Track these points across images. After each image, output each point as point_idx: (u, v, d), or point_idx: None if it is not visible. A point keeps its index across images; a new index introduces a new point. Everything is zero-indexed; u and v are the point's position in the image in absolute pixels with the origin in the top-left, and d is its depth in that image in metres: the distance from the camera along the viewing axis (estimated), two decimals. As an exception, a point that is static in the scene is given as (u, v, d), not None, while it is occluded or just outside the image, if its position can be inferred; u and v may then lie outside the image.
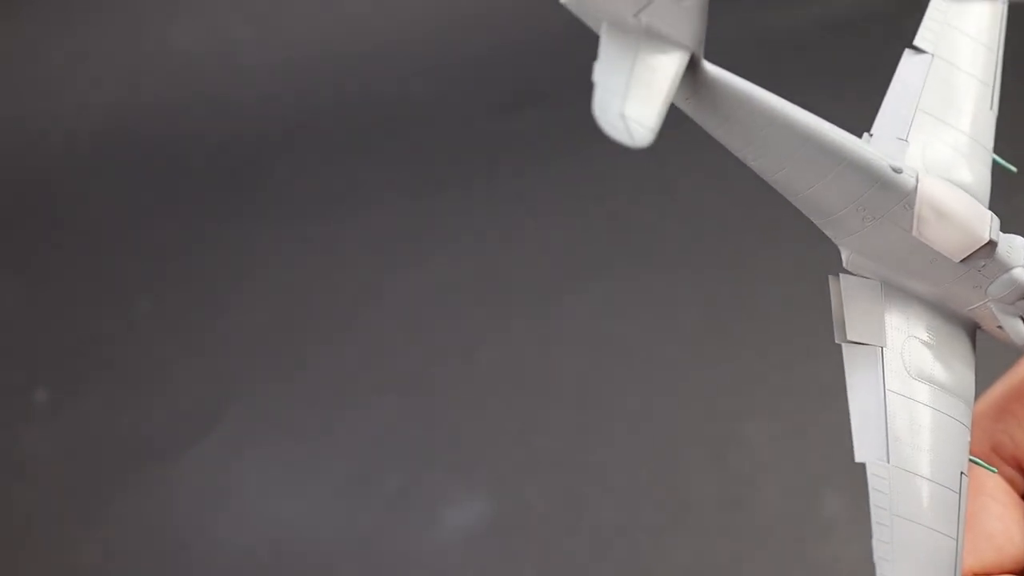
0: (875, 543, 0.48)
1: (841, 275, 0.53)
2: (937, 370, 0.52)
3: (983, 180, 0.55)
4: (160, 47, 1.39)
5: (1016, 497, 0.53)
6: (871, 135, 0.55)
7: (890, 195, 0.50)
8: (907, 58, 0.57)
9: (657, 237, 1.22)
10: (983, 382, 0.58)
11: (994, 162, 0.56)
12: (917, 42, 0.57)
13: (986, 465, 0.52)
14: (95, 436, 1.17)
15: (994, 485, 0.53)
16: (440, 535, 1.06)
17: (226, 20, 1.40)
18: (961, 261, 0.52)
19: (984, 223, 0.52)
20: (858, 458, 0.49)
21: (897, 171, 0.50)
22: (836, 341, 0.52)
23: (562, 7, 0.46)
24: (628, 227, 1.24)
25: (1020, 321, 0.53)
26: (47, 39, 1.40)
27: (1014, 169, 0.57)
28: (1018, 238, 0.54)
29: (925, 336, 0.52)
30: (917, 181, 0.51)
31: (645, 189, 1.28)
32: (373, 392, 1.16)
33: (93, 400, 1.19)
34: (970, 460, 0.52)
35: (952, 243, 0.51)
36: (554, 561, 1.04)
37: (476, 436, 1.12)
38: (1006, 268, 0.52)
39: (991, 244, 0.52)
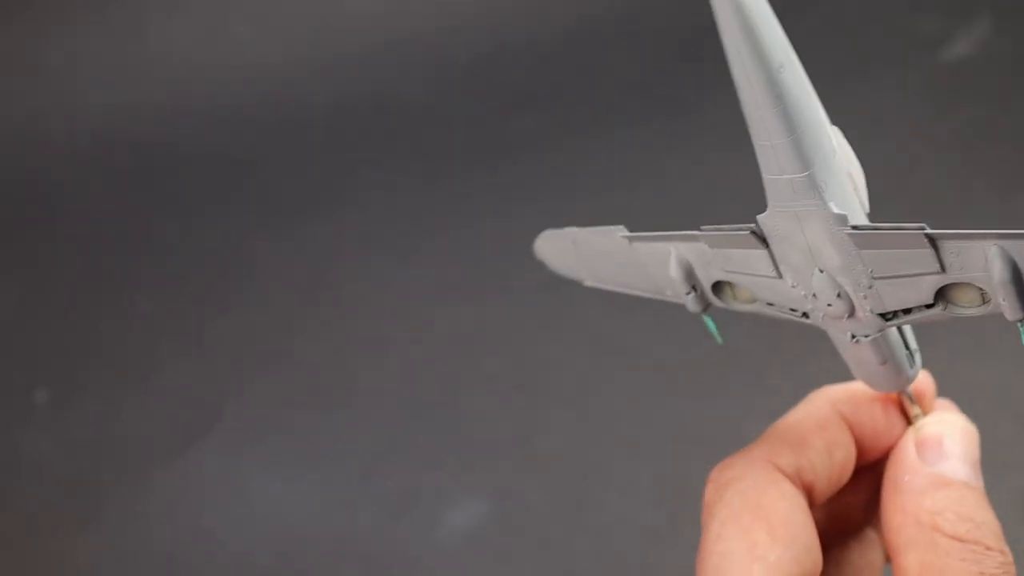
0: None
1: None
2: None
3: None
4: (160, 47, 1.40)
5: (810, 516, 0.52)
6: None
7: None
8: None
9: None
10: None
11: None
12: None
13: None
14: (95, 436, 1.17)
15: (788, 507, 0.52)
16: (441, 534, 1.06)
17: (225, 20, 1.40)
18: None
19: None
20: None
21: None
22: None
23: None
24: (628, 226, 1.24)
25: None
26: (47, 40, 1.40)
27: None
28: None
29: None
30: None
31: (644, 188, 1.28)
32: (373, 392, 1.16)
33: (93, 400, 1.19)
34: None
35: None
36: (554, 561, 1.03)
37: (476, 436, 1.12)
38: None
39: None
